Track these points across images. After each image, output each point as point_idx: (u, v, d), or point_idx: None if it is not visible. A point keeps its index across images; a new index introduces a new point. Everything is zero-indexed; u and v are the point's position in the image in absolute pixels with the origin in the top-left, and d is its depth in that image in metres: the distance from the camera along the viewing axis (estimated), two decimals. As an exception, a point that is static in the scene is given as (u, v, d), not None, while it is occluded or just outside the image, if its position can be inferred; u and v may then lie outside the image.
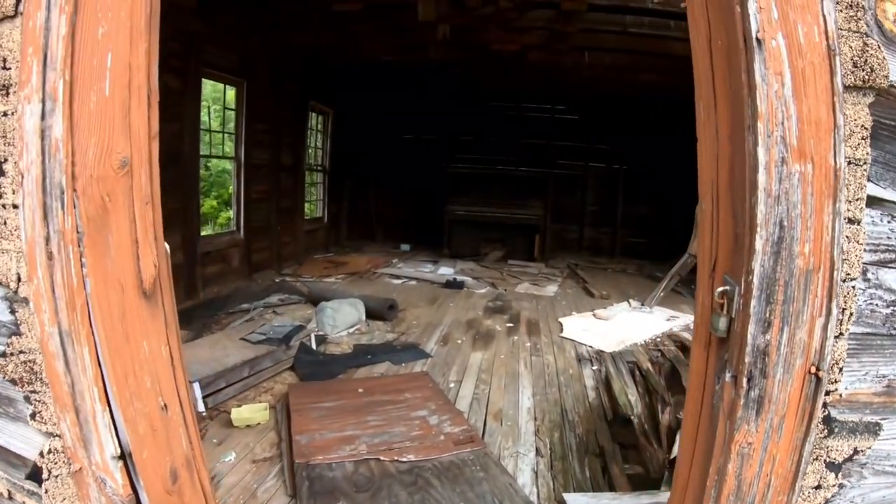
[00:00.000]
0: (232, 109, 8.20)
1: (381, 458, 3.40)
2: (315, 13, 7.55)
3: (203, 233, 7.78)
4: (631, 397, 4.85)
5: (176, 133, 6.76)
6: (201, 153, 7.55)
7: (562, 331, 6.49)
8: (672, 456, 4.09)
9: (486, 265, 10.93)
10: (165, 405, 1.43)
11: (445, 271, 10.10)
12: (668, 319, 7.22)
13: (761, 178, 1.09)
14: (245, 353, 4.66)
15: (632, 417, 4.55)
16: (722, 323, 1.21)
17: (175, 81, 6.64)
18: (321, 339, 5.68)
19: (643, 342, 6.19)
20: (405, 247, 12.77)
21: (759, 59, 1.11)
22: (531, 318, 7.07)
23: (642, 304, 7.96)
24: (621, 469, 3.93)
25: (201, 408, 4.09)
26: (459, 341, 5.99)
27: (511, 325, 6.72)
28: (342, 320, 6.03)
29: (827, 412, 1.27)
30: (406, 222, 13.46)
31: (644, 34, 7.09)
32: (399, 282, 9.09)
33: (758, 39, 1.11)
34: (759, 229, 1.09)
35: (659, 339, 6.30)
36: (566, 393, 4.82)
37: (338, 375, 4.90)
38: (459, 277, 9.39)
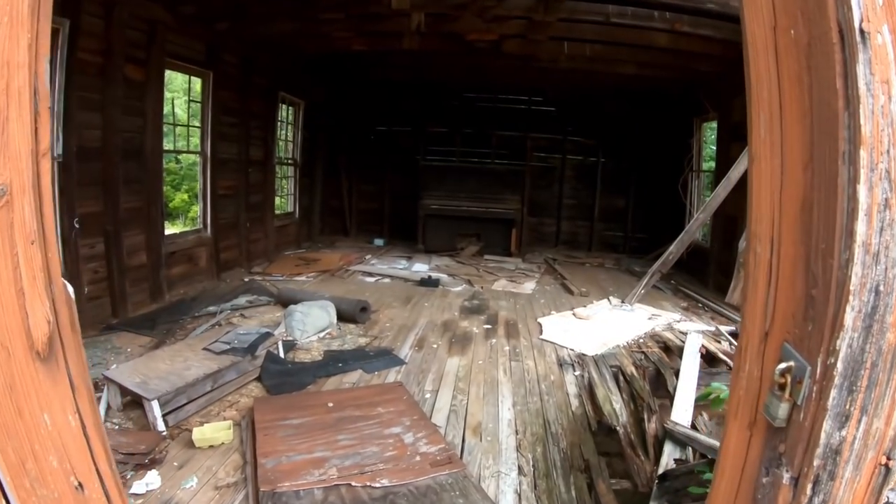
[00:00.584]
0: (198, 102, 7.79)
1: (353, 483, 3.14)
2: (285, 1, 7.18)
3: (172, 229, 7.41)
4: (616, 405, 4.65)
5: (138, 128, 6.40)
6: (165, 148, 7.16)
7: (542, 332, 6.27)
8: (660, 470, 3.92)
9: (461, 261, 10.68)
10: (80, 484, 1.15)
11: (420, 268, 9.83)
12: (649, 318, 7.06)
13: (860, 227, 0.80)
14: (208, 364, 4.35)
15: (617, 427, 4.36)
16: (782, 410, 0.94)
17: (136, 73, 6.26)
18: (290, 346, 5.38)
19: (626, 344, 6.00)
20: (379, 241, 12.46)
21: (864, 61, 0.81)
22: (509, 319, 6.84)
23: (623, 302, 7.79)
24: (608, 485, 3.74)
25: (161, 427, 3.80)
26: (435, 345, 5.73)
27: (489, 326, 6.48)
28: (312, 325, 5.73)
29: (887, 499, 1.04)
30: (380, 216, 13.16)
31: (626, 24, 6.86)
32: (372, 280, 8.80)
33: (861, 31, 0.80)
34: (851, 298, 0.82)
35: (642, 340, 6.11)
36: (548, 402, 4.60)
37: (307, 386, 4.62)
38: (434, 275, 9.13)
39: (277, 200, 10.44)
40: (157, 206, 6.71)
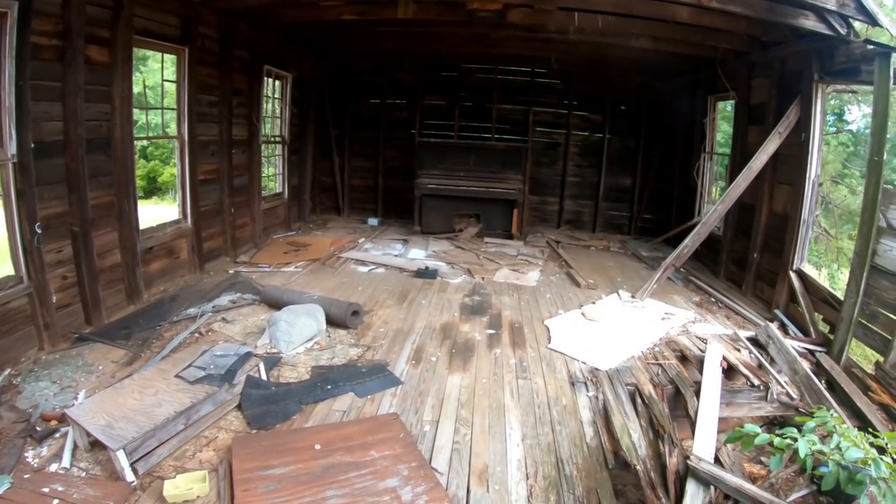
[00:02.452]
0: (172, 81, 7.11)
1: (342, 562, 2.68)
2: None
3: (162, 205, 6.82)
4: (634, 434, 4.20)
5: (105, 115, 5.77)
6: (137, 135, 6.52)
7: (550, 340, 5.77)
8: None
9: (460, 245, 10.13)
10: None
11: (416, 254, 9.30)
12: (662, 318, 6.58)
13: None
14: (180, 399, 3.86)
15: (636, 464, 3.91)
16: None
17: (101, 54, 5.60)
18: (274, 361, 4.89)
19: (641, 353, 5.53)
20: (373, 221, 11.90)
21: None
22: (514, 321, 6.34)
23: (633, 297, 7.31)
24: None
25: (130, 478, 3.33)
26: (434, 358, 5.23)
27: (492, 331, 5.98)
28: (298, 334, 5.22)
29: None
30: (374, 194, 12.56)
31: (646, -4, 6.22)
32: (365, 270, 8.26)
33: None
34: None
35: (657, 349, 5.66)
36: (561, 434, 4.13)
37: (292, 416, 4.13)
38: (432, 263, 8.61)
39: (264, 181, 9.82)
40: (129, 200, 6.12)
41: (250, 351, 4.59)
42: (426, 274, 7.99)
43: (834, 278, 10.18)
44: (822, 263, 11.08)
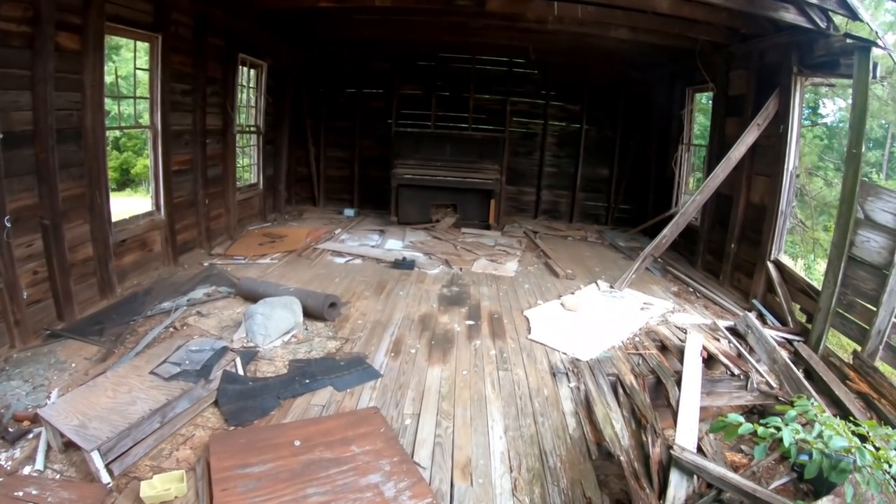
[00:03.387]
0: (145, 70, 6.89)
1: (324, 562, 2.61)
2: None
3: (135, 197, 6.60)
4: (616, 425, 4.19)
5: (75, 104, 5.55)
6: (109, 125, 6.30)
7: (530, 331, 5.74)
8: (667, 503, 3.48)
9: (437, 235, 10.06)
10: None
11: (393, 245, 9.21)
12: (641, 308, 6.61)
13: None
14: (155, 396, 3.74)
15: (619, 455, 3.90)
16: None
17: (71, 42, 5.37)
18: (251, 356, 4.78)
19: (621, 343, 5.54)
20: (349, 212, 11.76)
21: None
22: (493, 311, 6.30)
23: (612, 287, 7.32)
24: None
25: (105, 479, 3.22)
26: (413, 350, 5.17)
27: (471, 322, 5.93)
28: (275, 327, 5.12)
29: None
30: (350, 184, 12.39)
31: (627, -13, 6.19)
32: (342, 261, 8.15)
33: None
34: None
35: (638, 339, 5.67)
36: (543, 425, 4.11)
37: (270, 412, 4.04)
38: (409, 254, 8.53)
39: (239, 172, 9.63)
40: (101, 191, 5.91)
41: (226, 346, 4.48)
42: (403, 265, 7.91)
43: (811, 269, 10.34)
44: (798, 254, 11.26)
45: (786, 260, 6.94)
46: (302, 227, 10.23)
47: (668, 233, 7.31)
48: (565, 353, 5.22)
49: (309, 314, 5.68)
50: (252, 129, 10.07)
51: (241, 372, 4.41)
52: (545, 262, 8.61)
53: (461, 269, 8.00)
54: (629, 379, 4.82)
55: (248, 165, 10.26)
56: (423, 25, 9.53)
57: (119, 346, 5.00)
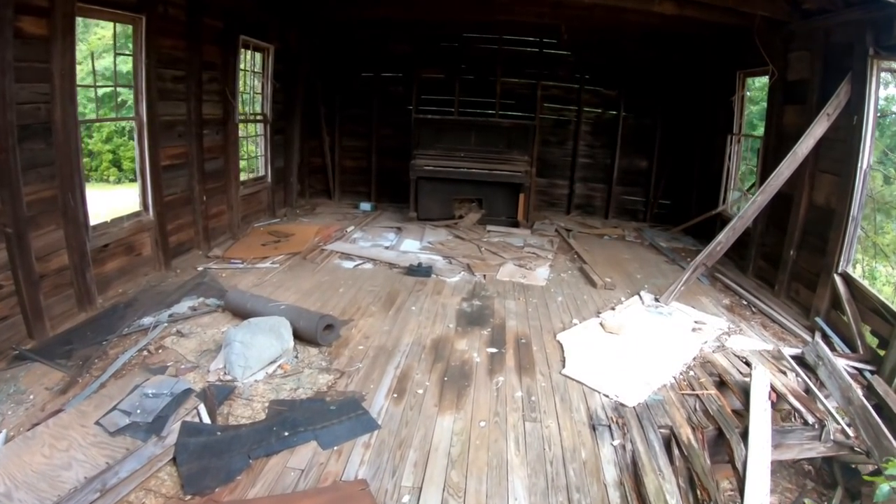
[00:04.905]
0: (128, 55, 6.07)
1: None
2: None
3: (131, 188, 5.81)
4: (671, 501, 3.26)
5: (42, 97, 4.78)
6: (85, 118, 5.49)
7: (564, 363, 4.80)
8: None
9: (460, 234, 9.15)
10: None
11: (410, 246, 8.33)
12: (693, 329, 5.64)
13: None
14: (95, 456, 3.04)
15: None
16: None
17: (36, 26, 4.61)
18: (227, 392, 3.97)
19: (674, 380, 4.59)
20: (366, 206, 10.91)
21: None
22: (520, 334, 5.39)
23: (657, 300, 6.36)
24: None
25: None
26: (421, 390, 4.27)
27: (494, 350, 5.02)
28: (256, 357, 4.28)
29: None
30: (367, 176, 11.53)
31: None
32: (351, 265, 7.30)
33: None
34: None
35: (692, 373, 4.72)
36: (580, 504, 3.19)
37: (237, 475, 3.21)
38: (426, 258, 7.64)
39: (244, 164, 8.83)
40: (75, 193, 5.13)
41: (189, 388, 3.69)
42: (419, 271, 7.03)
43: (873, 276, 9.18)
44: (856, 259, 10.08)
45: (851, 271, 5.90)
46: (313, 223, 9.42)
47: (724, 239, 6.30)
48: (607, 396, 4.29)
49: (301, 337, 4.85)
50: (258, 117, 9.24)
51: (205, 419, 3.59)
52: (580, 268, 7.65)
53: (485, 276, 7.10)
54: (685, 433, 3.89)
55: (255, 157, 9.45)
56: (445, 2, 8.59)
57: (84, 373, 4.26)
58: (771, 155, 7.28)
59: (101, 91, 6.58)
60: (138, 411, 3.38)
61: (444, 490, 3.20)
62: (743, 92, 8.79)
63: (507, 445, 3.65)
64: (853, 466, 4.28)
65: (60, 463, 3.04)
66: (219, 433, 3.54)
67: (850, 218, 5.63)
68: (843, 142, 5.76)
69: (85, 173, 5.44)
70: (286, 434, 3.56)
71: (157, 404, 3.43)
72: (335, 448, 3.50)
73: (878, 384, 4.58)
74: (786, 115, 7.16)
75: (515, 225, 9.91)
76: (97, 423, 3.34)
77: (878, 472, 3.53)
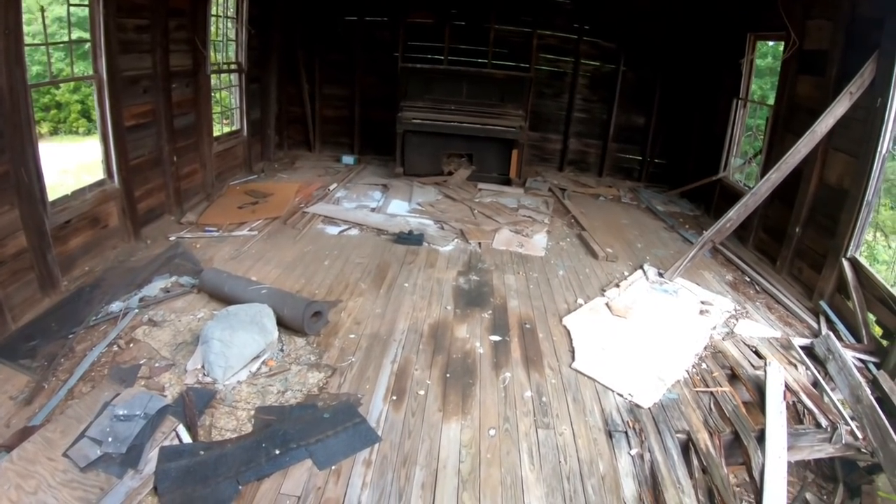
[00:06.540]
0: (84, 4, 5.34)
1: None
2: None
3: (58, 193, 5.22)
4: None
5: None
6: (35, 81, 4.82)
7: (573, 354, 4.47)
8: None
9: (450, 193, 8.70)
10: None
11: (398, 208, 7.88)
12: (700, 311, 5.36)
13: None
14: (68, 500, 2.67)
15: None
16: None
17: None
18: (207, 397, 3.59)
19: (687, 374, 4.33)
20: (348, 159, 10.36)
21: None
22: (524, 318, 5.04)
23: (661, 275, 6.07)
24: None
25: None
26: (422, 391, 3.92)
27: (497, 338, 4.67)
28: (238, 355, 3.88)
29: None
30: (350, 126, 10.90)
31: None
32: (336, 231, 6.84)
33: None
34: None
35: (705, 367, 4.45)
36: (603, 531, 2.92)
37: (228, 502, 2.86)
38: (416, 223, 7.23)
39: (217, 118, 8.18)
40: (29, 167, 4.54)
41: (164, 405, 3.27)
42: (410, 239, 6.62)
43: (873, 254, 8.96)
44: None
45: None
46: (292, 179, 8.90)
47: (735, 216, 5.98)
48: (621, 395, 3.99)
49: (286, 325, 4.45)
50: (232, 66, 8.52)
51: (185, 439, 3.21)
52: (579, 235, 7.31)
53: (480, 244, 6.72)
54: (703, 439, 3.65)
55: (230, 110, 8.78)
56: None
57: (51, 376, 3.80)
58: (781, 125, 6.93)
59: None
60: (110, 439, 2.99)
61: (455, 518, 2.89)
62: (753, 56, 8.30)
63: (521, 458, 3.34)
64: (861, 465, 4.13)
65: (28, 506, 2.68)
66: (202, 452, 3.16)
67: (865, 202, 5.30)
68: (863, 122, 5.39)
69: (39, 142, 4.80)
70: (277, 452, 3.20)
71: (130, 429, 3.03)
72: (332, 467, 3.16)
73: (884, 380, 4.39)
74: (799, 85, 6.74)
75: (507, 182, 9.47)
76: (65, 454, 2.94)
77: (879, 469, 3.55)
